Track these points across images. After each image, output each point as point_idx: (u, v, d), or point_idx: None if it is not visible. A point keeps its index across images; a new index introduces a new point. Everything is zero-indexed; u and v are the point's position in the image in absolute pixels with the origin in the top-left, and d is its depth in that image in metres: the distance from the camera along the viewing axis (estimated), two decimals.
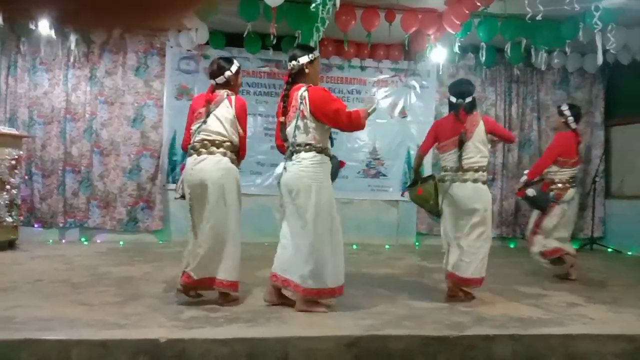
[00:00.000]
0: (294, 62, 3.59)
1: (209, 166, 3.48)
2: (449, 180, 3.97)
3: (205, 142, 3.53)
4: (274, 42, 6.31)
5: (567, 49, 6.07)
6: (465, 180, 3.88)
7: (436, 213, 4.20)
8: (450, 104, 4.07)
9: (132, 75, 7.00)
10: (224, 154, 3.54)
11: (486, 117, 4.12)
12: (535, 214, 5.03)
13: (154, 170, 7.01)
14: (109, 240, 6.83)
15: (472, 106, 4.00)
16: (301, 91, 3.47)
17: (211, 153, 3.51)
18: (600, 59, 5.43)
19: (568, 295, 4.21)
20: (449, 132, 3.99)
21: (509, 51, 6.22)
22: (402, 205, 7.57)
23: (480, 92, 7.65)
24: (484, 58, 6.32)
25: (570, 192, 4.88)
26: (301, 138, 3.44)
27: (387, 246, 7.21)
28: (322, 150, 3.48)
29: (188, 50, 7.06)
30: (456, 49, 6.21)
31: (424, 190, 4.12)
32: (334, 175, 3.65)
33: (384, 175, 7.62)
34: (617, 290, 4.52)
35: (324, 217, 3.42)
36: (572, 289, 4.48)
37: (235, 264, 3.55)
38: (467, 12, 5.31)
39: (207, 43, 6.88)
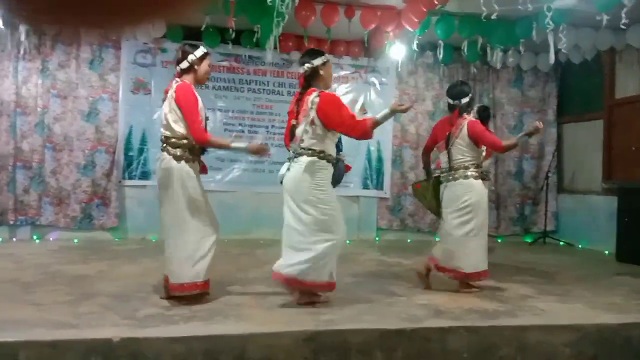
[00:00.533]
0: (307, 65, 3.60)
1: (158, 166, 3.57)
2: (444, 180, 4.19)
3: (161, 139, 3.57)
4: (233, 36, 6.26)
5: (521, 48, 6.24)
6: (456, 179, 4.08)
7: (435, 212, 4.39)
8: (448, 105, 4.28)
9: (86, 69, 6.79)
10: (168, 152, 3.50)
11: (473, 122, 4.16)
12: None
13: (109, 166, 6.83)
14: (62, 238, 6.62)
15: (468, 107, 4.20)
16: (313, 96, 3.53)
17: (162, 151, 3.54)
18: (552, 58, 5.60)
19: (521, 287, 4.33)
20: (443, 133, 4.21)
21: (465, 49, 6.34)
22: (363, 200, 7.64)
23: (438, 90, 7.78)
24: (441, 56, 6.43)
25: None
26: (307, 142, 3.51)
27: (347, 241, 7.22)
28: (324, 156, 3.54)
29: (145, 43, 6.91)
30: (415, 47, 6.29)
31: (421, 186, 4.40)
32: (339, 179, 3.71)
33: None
34: (568, 283, 4.68)
35: (320, 217, 3.45)
36: (526, 281, 4.61)
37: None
38: (424, 10, 5.38)
39: (164, 36, 6.75)
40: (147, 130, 6.96)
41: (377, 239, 7.57)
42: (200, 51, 3.68)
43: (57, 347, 2.65)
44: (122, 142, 6.89)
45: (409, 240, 7.48)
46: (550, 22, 5.14)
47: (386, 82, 7.71)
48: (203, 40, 6.75)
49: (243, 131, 7.30)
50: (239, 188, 7.23)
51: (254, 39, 6.31)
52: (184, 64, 3.63)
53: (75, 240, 6.50)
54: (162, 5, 0.74)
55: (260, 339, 2.85)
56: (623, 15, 4.69)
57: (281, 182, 3.66)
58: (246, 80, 7.31)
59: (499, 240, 7.78)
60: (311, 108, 3.48)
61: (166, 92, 3.60)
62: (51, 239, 6.64)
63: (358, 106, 7.66)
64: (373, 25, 6.01)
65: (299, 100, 3.62)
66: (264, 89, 7.38)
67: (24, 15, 0.76)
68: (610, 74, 7.10)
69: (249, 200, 7.22)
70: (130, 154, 6.94)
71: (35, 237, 6.61)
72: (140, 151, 6.96)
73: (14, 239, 6.50)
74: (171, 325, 2.96)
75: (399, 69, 7.42)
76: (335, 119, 3.48)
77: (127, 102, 6.91)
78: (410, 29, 5.83)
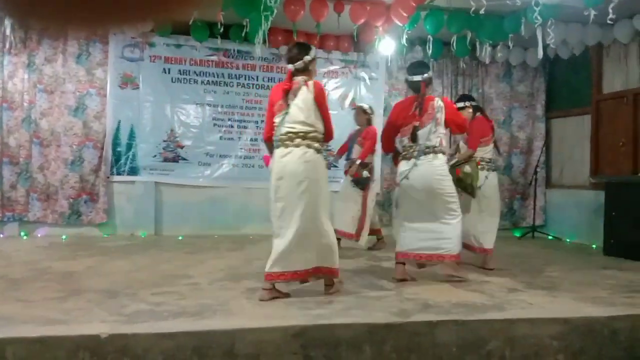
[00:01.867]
0: (306, 57, 3.63)
1: (295, 159, 3.49)
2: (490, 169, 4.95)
3: (290, 134, 3.52)
4: (222, 30, 6.23)
5: (510, 43, 6.26)
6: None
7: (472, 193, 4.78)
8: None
9: (73, 63, 6.72)
10: (309, 146, 3.53)
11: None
12: (354, 197, 5.83)
13: (98, 162, 6.78)
14: (50, 235, 6.57)
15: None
16: (436, 101, 4.11)
17: (297, 146, 3.51)
18: (540, 53, 5.62)
19: (509, 281, 4.36)
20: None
21: (454, 44, 6.34)
22: None
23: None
24: (430, 51, 6.43)
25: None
26: (434, 141, 4.04)
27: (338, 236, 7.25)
28: (445, 153, 4.14)
29: (132, 38, 6.86)
30: (404, 42, 6.28)
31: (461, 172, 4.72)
32: None
33: (335, 166, 7.62)
34: (555, 276, 4.72)
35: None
36: (513, 275, 4.65)
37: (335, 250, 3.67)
38: (414, 4, 5.38)
39: (152, 30, 6.70)
40: (135, 125, 6.92)
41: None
42: (313, 52, 3.73)
43: (45, 343, 2.63)
44: (110, 138, 6.84)
45: None
46: (539, 17, 5.16)
47: (376, 77, 7.71)
48: (191, 34, 6.73)
49: (232, 126, 7.28)
50: (228, 183, 7.21)
51: (243, 34, 6.28)
52: (300, 65, 3.63)
53: (64, 237, 6.45)
54: (154, 7, 0.73)
55: (249, 334, 2.84)
56: (610, 10, 4.72)
57: (405, 178, 4.09)
58: (235, 75, 7.28)
59: None
60: (437, 111, 4.04)
61: (284, 89, 3.58)
62: (39, 235, 6.59)
63: (348, 101, 7.65)
64: (362, 20, 6.00)
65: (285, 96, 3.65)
66: (253, 84, 7.35)
67: (10, 10, 0.75)
68: (598, 69, 7.15)
69: (238, 196, 7.21)
70: (119, 149, 6.90)
71: (22, 233, 6.55)
72: (129, 146, 6.91)
73: (1, 236, 6.45)
74: (160, 321, 2.95)
75: (389, 64, 7.43)
76: (458, 120, 4.21)
77: (115, 96, 6.86)
78: (399, 23, 5.83)
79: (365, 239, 5.79)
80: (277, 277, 3.51)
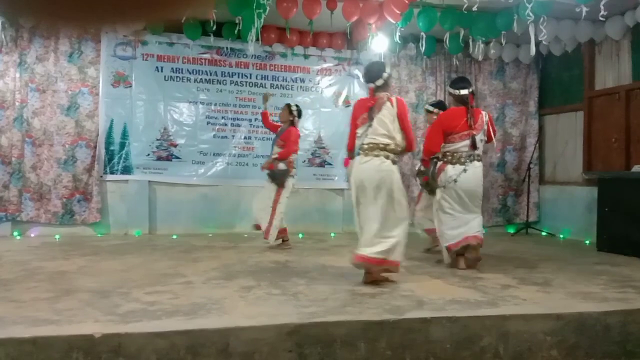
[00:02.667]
0: (384, 74, 3.98)
1: (372, 167, 3.88)
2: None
3: (372, 145, 3.90)
4: (214, 28, 6.21)
5: (502, 40, 6.28)
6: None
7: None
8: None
9: (65, 62, 6.68)
10: (387, 157, 3.91)
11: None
12: (268, 191, 5.80)
13: (90, 161, 6.75)
14: (43, 234, 6.54)
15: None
16: (484, 114, 4.73)
17: (376, 155, 3.89)
18: (533, 50, 5.64)
19: (503, 277, 4.37)
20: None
21: (447, 41, 6.35)
22: (347, 193, 7.60)
23: (421, 82, 7.80)
24: (424, 48, 6.44)
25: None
26: (480, 150, 4.65)
27: (332, 234, 7.27)
28: None
29: (124, 36, 6.82)
30: (397, 39, 6.29)
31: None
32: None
33: (330, 164, 7.65)
34: (548, 272, 4.73)
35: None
36: (507, 271, 4.66)
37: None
38: (406, 1, 5.39)
39: (144, 28, 6.67)
40: (128, 124, 6.89)
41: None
42: (389, 68, 4.10)
43: (38, 343, 2.61)
44: (103, 137, 6.81)
45: None
46: (531, 14, 5.18)
47: None
48: (184, 32, 6.71)
49: (226, 124, 7.26)
50: (222, 182, 7.19)
51: (236, 31, 6.26)
52: (380, 82, 3.97)
53: (57, 236, 6.42)
54: (148, 6, 0.72)
55: (243, 333, 2.84)
56: (602, 7, 4.74)
57: (454, 181, 4.53)
58: (228, 73, 7.26)
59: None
60: (485, 124, 4.66)
61: (367, 105, 3.96)
62: (32, 235, 6.56)
63: (342, 99, 7.65)
64: (355, 17, 6.00)
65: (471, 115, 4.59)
66: (246, 82, 7.33)
67: (2, 7, 0.74)
68: (590, 65, 7.17)
69: (232, 194, 7.20)
70: (112, 148, 6.87)
71: (15, 233, 6.51)
72: (122, 145, 6.88)
73: None
74: (153, 320, 2.94)
75: (382, 61, 7.42)
76: (493, 134, 4.83)
77: (107, 95, 6.83)
78: (392, 20, 5.83)
79: (274, 236, 5.70)
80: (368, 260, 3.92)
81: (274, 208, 5.67)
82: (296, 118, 5.85)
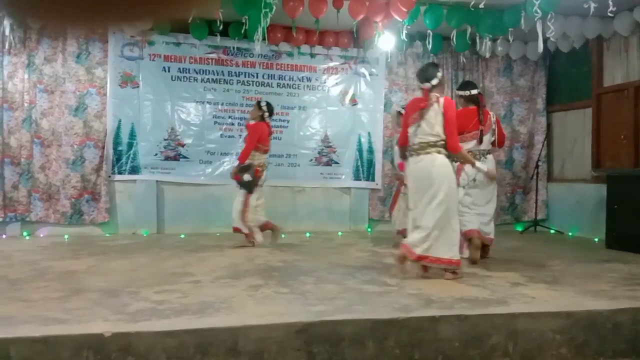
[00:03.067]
0: (439, 74, 4.19)
1: (426, 165, 4.05)
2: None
3: (422, 144, 4.08)
4: (221, 28, 6.22)
5: (510, 37, 6.24)
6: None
7: None
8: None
9: (73, 62, 6.72)
10: (438, 152, 4.06)
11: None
12: (240, 194, 5.76)
13: (99, 161, 6.78)
14: (52, 234, 6.58)
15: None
16: (493, 115, 5.04)
17: (427, 153, 4.05)
18: (540, 47, 5.61)
19: (511, 275, 4.35)
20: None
21: (454, 39, 6.33)
22: (354, 192, 7.63)
23: None
24: (430, 46, 6.41)
25: (265, 175, 5.81)
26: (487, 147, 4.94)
27: (339, 233, 7.27)
28: None
29: (132, 36, 6.85)
30: (404, 37, 6.27)
31: None
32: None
33: (336, 162, 7.64)
34: (557, 270, 4.71)
35: None
36: (515, 269, 4.65)
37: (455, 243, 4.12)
38: None
39: (151, 29, 6.69)
40: (136, 124, 6.92)
41: (369, 230, 7.58)
42: (441, 69, 4.39)
43: (48, 342, 2.63)
44: (111, 137, 6.84)
45: None
46: (539, 11, 5.15)
47: (376, 73, 7.69)
48: (191, 32, 6.73)
49: (233, 124, 7.27)
50: (229, 181, 7.18)
51: (242, 31, 6.26)
52: (435, 81, 4.14)
53: (66, 236, 6.46)
54: (154, 5, 0.72)
55: (252, 332, 2.84)
56: (610, 3, 4.71)
57: (473, 180, 4.76)
58: (235, 73, 7.27)
59: None
60: (493, 124, 4.91)
61: (419, 106, 4.13)
62: (41, 235, 6.60)
63: (348, 97, 7.64)
64: (362, 16, 5.98)
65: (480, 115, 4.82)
66: (253, 81, 7.34)
67: (10, 9, 0.74)
68: (598, 62, 7.12)
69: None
70: (120, 148, 6.90)
71: (25, 233, 6.56)
72: (130, 145, 6.91)
73: (4, 236, 6.45)
74: (162, 319, 2.95)
75: (389, 59, 7.41)
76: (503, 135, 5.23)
77: (115, 95, 6.86)
78: (399, 18, 5.81)
79: (259, 235, 5.71)
80: (421, 259, 4.07)
81: (245, 208, 5.68)
82: (266, 113, 5.75)
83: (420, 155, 4.09)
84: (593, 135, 7.17)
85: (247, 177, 5.58)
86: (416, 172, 4.12)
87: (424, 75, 4.19)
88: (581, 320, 3.24)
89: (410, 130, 4.16)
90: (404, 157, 4.40)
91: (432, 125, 4.04)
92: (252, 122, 5.82)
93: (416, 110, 4.13)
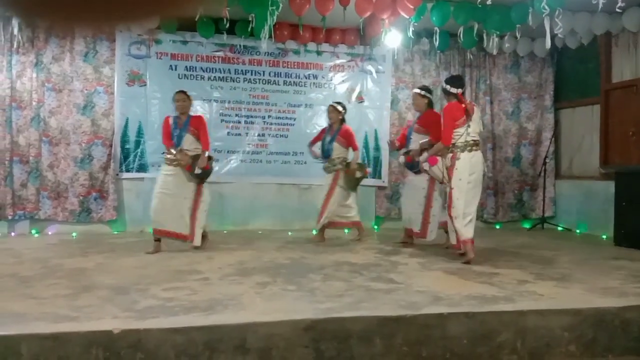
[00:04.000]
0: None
1: (480, 159, 4.84)
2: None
3: (474, 141, 4.79)
4: (227, 26, 6.22)
5: (517, 34, 6.21)
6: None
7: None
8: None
9: (81, 61, 6.75)
10: (480, 150, 4.90)
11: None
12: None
13: (106, 159, 6.81)
14: (61, 232, 6.62)
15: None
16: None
17: (478, 149, 4.82)
18: (548, 43, 5.57)
19: (519, 272, 4.34)
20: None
21: (461, 36, 6.30)
22: (361, 189, 7.60)
23: (435, 77, 7.76)
24: (437, 43, 6.38)
25: None
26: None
27: (346, 230, 7.26)
28: None
29: (139, 35, 6.87)
30: (410, 34, 6.25)
31: None
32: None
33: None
34: (565, 267, 4.70)
35: None
36: (523, 266, 4.63)
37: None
38: None
39: (158, 27, 6.71)
40: (143, 122, 6.95)
41: (375, 227, 7.58)
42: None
43: (59, 339, 2.66)
44: (119, 135, 6.87)
45: None
46: (546, 7, 5.11)
47: (382, 70, 7.68)
48: (197, 30, 6.74)
49: (239, 122, 7.28)
50: (236, 179, 7.22)
51: (249, 29, 6.27)
52: (465, 88, 5.03)
53: (74, 234, 6.50)
54: (159, 4, 0.73)
55: (260, 328, 2.86)
56: None
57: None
58: (242, 71, 7.28)
59: (497, 227, 7.80)
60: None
61: (464, 107, 4.77)
62: (50, 233, 6.65)
63: (355, 95, 7.63)
64: (368, 13, 5.97)
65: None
66: (259, 79, 7.34)
67: (17, 10, 0.75)
68: (607, 58, 7.08)
69: (246, 191, 7.22)
70: (127, 146, 6.93)
71: (33, 231, 6.61)
72: (137, 143, 6.94)
73: (13, 234, 6.50)
74: (171, 316, 2.97)
75: (395, 57, 7.40)
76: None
77: (122, 94, 6.88)
78: (405, 16, 5.79)
79: (199, 237, 5.30)
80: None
81: (195, 207, 5.36)
82: (192, 102, 5.45)
83: (472, 151, 4.75)
84: (601, 132, 7.13)
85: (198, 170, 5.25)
86: (474, 165, 4.75)
87: (459, 83, 4.92)
88: (590, 317, 3.23)
89: (461, 130, 4.72)
90: (440, 154, 4.85)
91: (478, 124, 4.87)
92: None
93: (463, 113, 4.73)
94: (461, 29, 6.25)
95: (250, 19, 5.96)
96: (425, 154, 5.14)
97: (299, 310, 3.12)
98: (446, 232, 5.36)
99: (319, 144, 6.22)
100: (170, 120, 5.32)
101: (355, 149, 6.12)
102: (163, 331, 2.75)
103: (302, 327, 2.89)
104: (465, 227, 4.70)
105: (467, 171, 4.70)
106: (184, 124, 5.27)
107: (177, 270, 4.35)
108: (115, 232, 6.79)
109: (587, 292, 3.69)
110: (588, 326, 3.20)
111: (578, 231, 7.31)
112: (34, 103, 6.61)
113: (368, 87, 7.66)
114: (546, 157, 7.64)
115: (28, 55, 6.60)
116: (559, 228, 7.51)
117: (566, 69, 7.92)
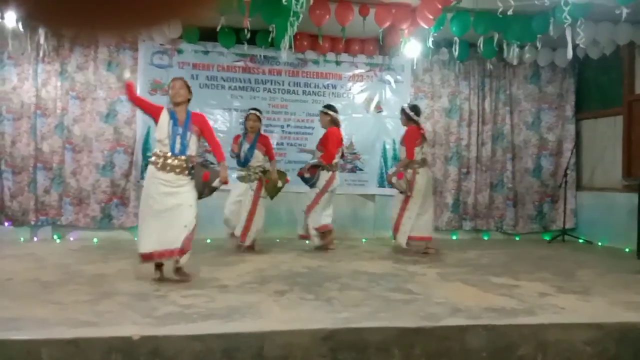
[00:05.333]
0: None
1: (430, 173, 6.32)
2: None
3: (425, 159, 6.05)
4: (248, 36, 6.28)
5: (538, 44, 6.16)
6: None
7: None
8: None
9: (104, 70, 6.87)
10: None
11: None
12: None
13: (128, 167, 6.91)
14: (82, 238, 6.72)
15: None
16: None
17: (427, 166, 6.17)
18: (570, 54, 5.52)
19: (540, 285, 4.29)
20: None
21: (481, 46, 6.27)
22: (379, 199, 7.62)
23: (454, 87, 7.74)
24: (457, 53, 6.37)
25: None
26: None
27: (363, 240, 7.25)
28: None
29: (161, 45, 6.97)
30: (430, 44, 6.25)
31: None
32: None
33: (361, 169, 7.64)
34: (587, 280, 4.62)
35: None
36: (544, 279, 4.57)
37: None
38: (440, 6, 5.35)
39: (180, 37, 6.81)
40: None
41: (392, 237, 7.53)
42: None
43: (79, 345, 2.69)
44: (140, 143, 6.96)
45: None
46: (568, 17, 5.07)
47: (401, 80, 7.67)
48: (219, 40, 6.82)
49: None
50: None
51: (269, 39, 6.33)
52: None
53: (95, 240, 6.59)
54: (176, 6, 0.74)
55: (278, 337, 2.86)
56: None
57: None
58: (261, 80, 7.34)
59: (517, 238, 7.71)
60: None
61: (421, 132, 6.02)
62: (71, 238, 6.74)
63: (373, 104, 7.64)
64: (388, 23, 5.99)
65: None
66: (279, 89, 7.40)
67: (41, 18, 0.77)
68: (630, 68, 6.99)
69: (265, 199, 7.23)
70: (148, 154, 6.99)
71: (56, 236, 6.71)
72: None
73: (35, 239, 6.61)
74: (190, 323, 2.99)
75: (414, 67, 7.38)
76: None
77: None
78: (425, 26, 5.79)
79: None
80: None
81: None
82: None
83: (425, 167, 5.94)
84: (624, 143, 7.03)
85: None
86: (429, 180, 6.02)
87: (419, 111, 6.11)
88: (613, 332, 3.17)
89: (417, 149, 5.85)
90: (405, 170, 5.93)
91: (427, 146, 6.00)
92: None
93: (419, 136, 5.92)
94: (481, 39, 6.23)
95: (270, 29, 6.02)
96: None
97: (316, 319, 3.12)
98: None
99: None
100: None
101: (272, 158, 6.02)
102: (182, 338, 2.77)
103: (320, 337, 2.88)
104: (424, 225, 5.90)
105: (425, 184, 5.88)
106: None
107: (196, 277, 4.37)
108: (136, 239, 6.82)
109: (609, 306, 3.63)
110: (611, 341, 3.14)
111: (600, 244, 7.19)
112: (58, 111, 6.74)
113: (387, 97, 7.66)
114: (567, 168, 7.54)
115: (53, 64, 6.74)
116: (580, 240, 7.39)
117: (588, 79, 7.84)
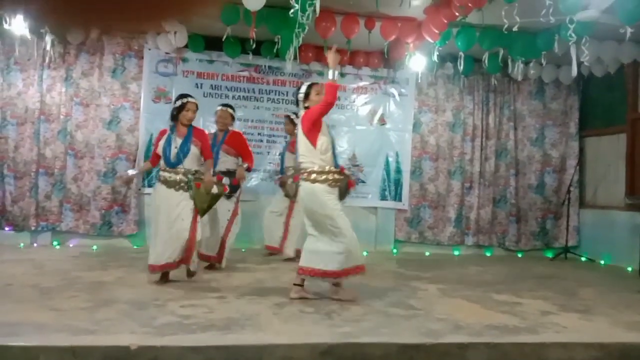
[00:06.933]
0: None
1: None
2: None
3: None
4: (254, 46, 6.31)
5: (542, 60, 6.18)
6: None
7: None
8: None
9: (109, 77, 6.89)
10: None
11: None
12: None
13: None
14: (82, 245, 6.69)
15: None
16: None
17: None
18: (574, 71, 5.52)
19: (542, 303, 4.25)
20: None
21: (486, 61, 6.29)
22: (381, 212, 7.59)
23: (458, 101, 7.74)
24: (462, 67, 6.37)
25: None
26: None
27: (364, 253, 7.18)
28: None
29: (166, 53, 6.99)
30: (435, 58, 6.27)
31: None
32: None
33: (363, 182, 7.61)
34: (590, 299, 4.58)
35: None
36: (546, 297, 4.53)
37: None
38: (445, 21, 5.36)
39: (186, 46, 6.83)
40: None
41: (394, 251, 7.51)
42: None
43: (76, 352, 2.66)
44: (143, 150, 6.95)
45: (427, 254, 7.38)
46: (573, 35, 5.08)
47: (405, 93, 7.68)
48: (224, 50, 6.84)
49: (262, 140, 7.34)
50: (256, 197, 7.24)
51: (274, 50, 6.35)
52: None
53: (94, 247, 6.56)
54: (176, 5, 0.74)
55: (277, 350, 2.83)
56: None
57: None
58: (266, 90, 7.36)
59: (519, 255, 7.67)
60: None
61: None
62: (71, 245, 6.72)
63: (377, 117, 7.64)
64: (393, 37, 6.01)
65: None
66: (283, 99, 7.41)
67: (48, 17, 0.77)
68: (634, 87, 6.99)
69: (266, 210, 7.21)
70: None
71: (55, 242, 6.68)
72: None
73: (35, 245, 6.59)
74: (189, 334, 2.96)
75: (419, 80, 7.40)
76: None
77: (148, 110, 6.98)
78: (430, 40, 5.81)
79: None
80: None
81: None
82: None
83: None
84: (627, 162, 7.01)
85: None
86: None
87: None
88: (615, 352, 3.14)
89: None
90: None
91: None
92: None
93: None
94: (486, 54, 6.24)
95: (276, 40, 6.04)
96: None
97: (316, 333, 3.09)
98: None
99: None
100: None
101: (209, 157, 4.83)
102: (180, 349, 2.74)
103: (320, 351, 2.85)
104: None
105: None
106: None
107: (195, 287, 4.35)
108: (135, 247, 6.83)
109: (612, 326, 3.59)
110: None
111: (602, 262, 7.14)
112: (61, 117, 6.75)
113: (391, 110, 7.67)
114: (570, 185, 7.53)
115: (58, 70, 6.76)
116: (583, 258, 7.35)
117: (592, 96, 7.84)
